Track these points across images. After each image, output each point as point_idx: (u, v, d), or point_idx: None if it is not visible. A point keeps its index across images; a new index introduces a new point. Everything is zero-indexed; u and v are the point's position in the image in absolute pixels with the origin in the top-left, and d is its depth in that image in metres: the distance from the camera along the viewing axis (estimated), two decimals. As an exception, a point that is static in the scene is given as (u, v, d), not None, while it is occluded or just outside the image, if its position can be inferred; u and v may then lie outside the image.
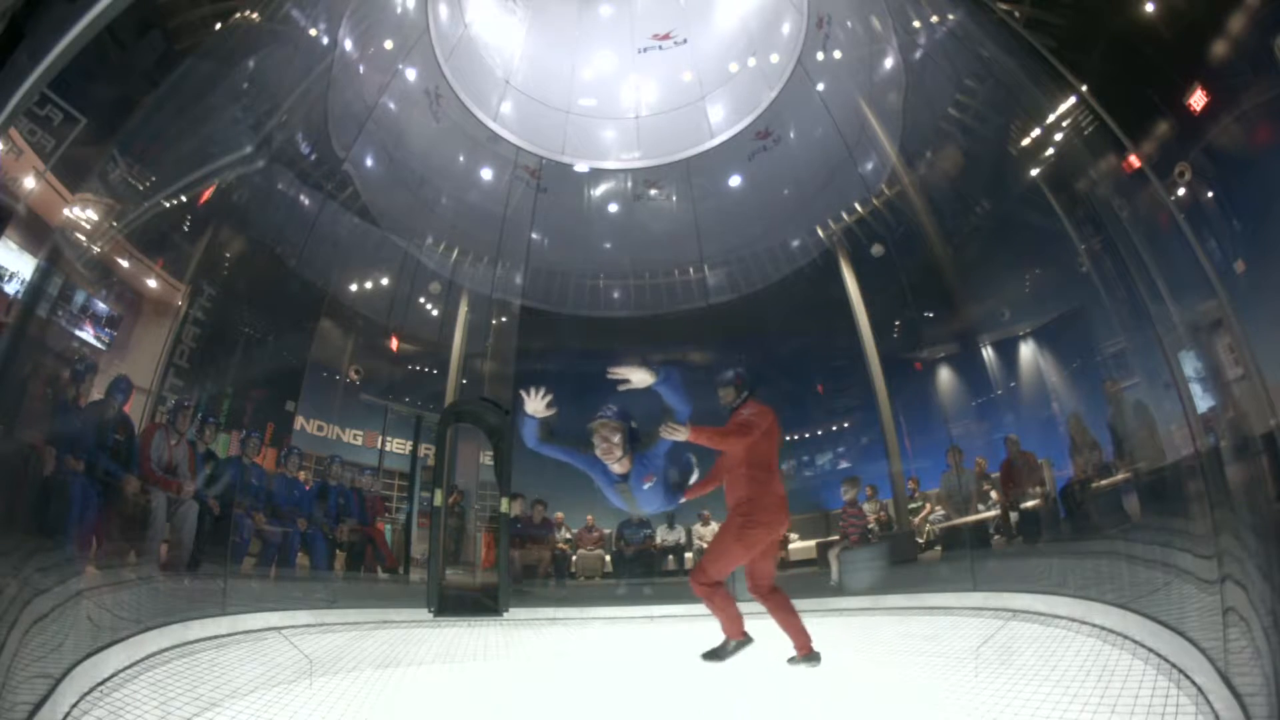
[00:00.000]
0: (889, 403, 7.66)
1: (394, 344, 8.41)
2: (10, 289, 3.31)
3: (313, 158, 6.97)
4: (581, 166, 9.09)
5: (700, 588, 3.35)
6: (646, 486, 3.19)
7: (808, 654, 3.37)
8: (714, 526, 8.07)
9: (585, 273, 9.23)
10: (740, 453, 3.33)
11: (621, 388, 2.91)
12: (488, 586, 7.26)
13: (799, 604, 3.42)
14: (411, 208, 8.36)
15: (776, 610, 3.42)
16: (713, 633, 3.48)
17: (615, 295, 9.29)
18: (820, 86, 7.94)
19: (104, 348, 4.38)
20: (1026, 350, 6.17)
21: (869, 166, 7.76)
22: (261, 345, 6.63)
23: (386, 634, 5.45)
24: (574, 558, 7.94)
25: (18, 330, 3.43)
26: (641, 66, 9.11)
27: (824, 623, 5.69)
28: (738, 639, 3.43)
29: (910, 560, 6.88)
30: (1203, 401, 3.25)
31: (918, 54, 6.53)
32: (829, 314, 8.14)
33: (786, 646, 3.40)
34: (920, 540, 7.02)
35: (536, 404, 2.99)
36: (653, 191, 9.20)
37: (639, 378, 2.84)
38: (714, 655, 3.47)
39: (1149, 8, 3.39)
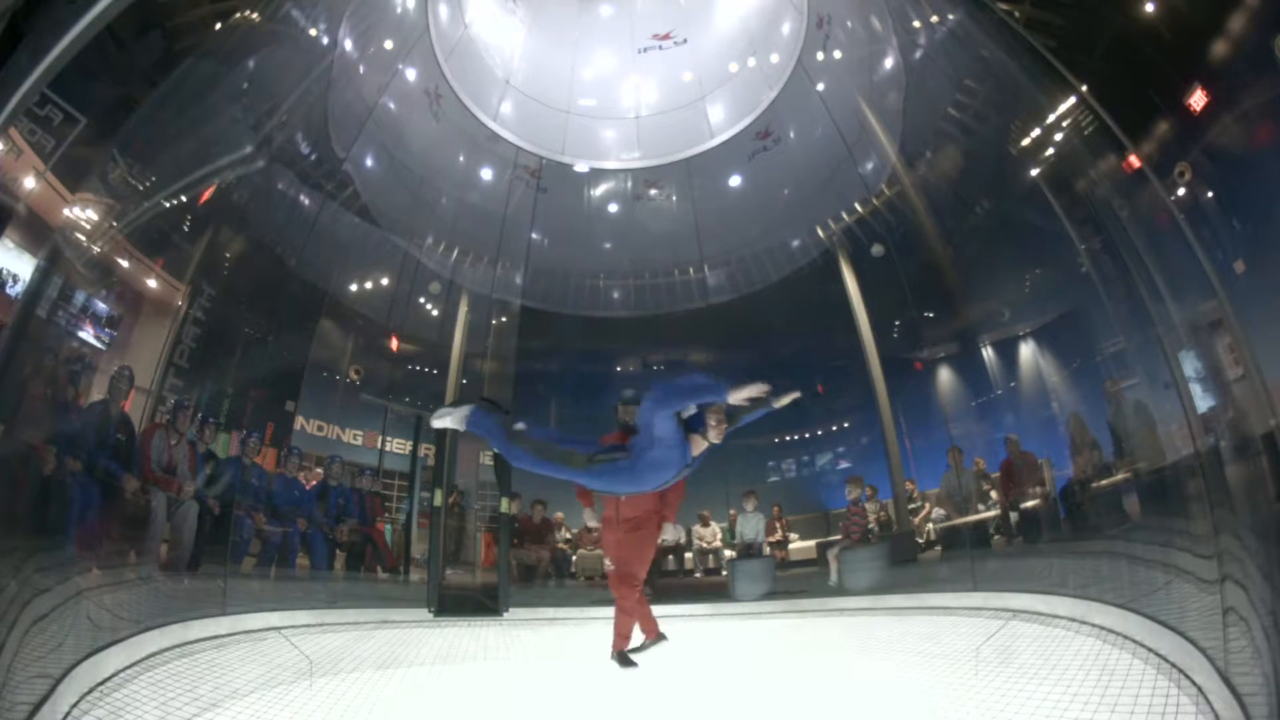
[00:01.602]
0: (889, 403, 7.64)
1: (394, 344, 8.40)
2: (10, 289, 3.31)
3: (313, 158, 6.96)
4: (581, 166, 9.07)
5: (635, 592, 3.75)
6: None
7: (656, 636, 3.91)
8: (714, 527, 8.07)
9: (585, 273, 9.21)
10: None
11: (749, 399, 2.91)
12: (488, 586, 7.25)
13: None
14: (411, 208, 8.35)
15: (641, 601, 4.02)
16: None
17: (615, 295, 9.26)
18: (820, 86, 7.93)
19: (104, 348, 4.37)
20: (1026, 350, 6.16)
21: (869, 166, 7.75)
22: (261, 345, 6.61)
23: (386, 634, 5.45)
24: (574, 558, 7.93)
25: (18, 330, 3.42)
26: (641, 66, 9.10)
27: (824, 623, 5.70)
28: (655, 636, 3.88)
29: (910, 560, 6.88)
30: (1203, 401, 3.25)
31: (918, 54, 6.53)
32: (829, 314, 8.11)
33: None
34: (920, 540, 7.01)
35: (741, 394, 2.76)
36: (653, 191, 9.18)
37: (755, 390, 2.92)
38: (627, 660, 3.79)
39: (1149, 8, 3.39)
